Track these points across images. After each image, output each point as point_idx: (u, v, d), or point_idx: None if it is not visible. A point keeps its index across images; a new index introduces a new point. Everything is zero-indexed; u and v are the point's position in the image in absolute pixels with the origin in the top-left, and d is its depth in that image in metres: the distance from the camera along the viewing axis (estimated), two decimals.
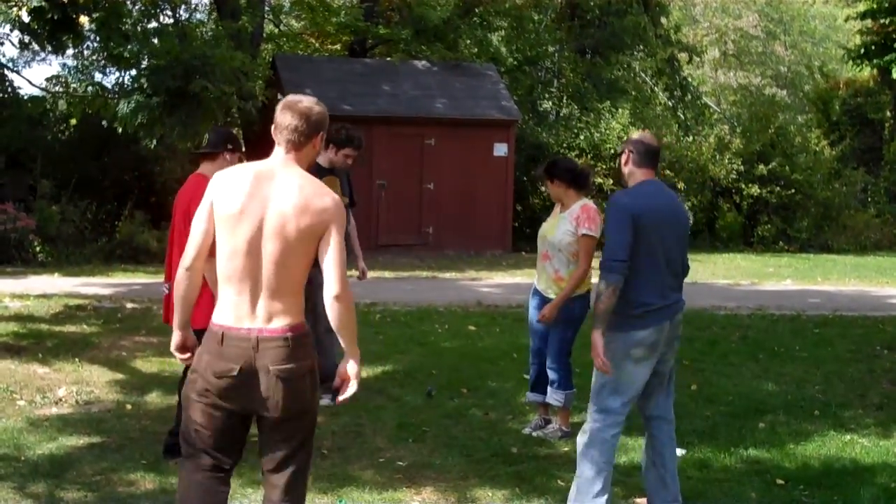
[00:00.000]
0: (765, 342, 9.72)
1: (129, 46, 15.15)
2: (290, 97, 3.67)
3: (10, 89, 18.83)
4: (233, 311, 3.53)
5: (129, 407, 6.72)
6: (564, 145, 19.89)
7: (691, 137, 21.53)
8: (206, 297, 3.97)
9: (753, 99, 29.17)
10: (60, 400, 6.85)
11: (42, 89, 20.85)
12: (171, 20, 18.58)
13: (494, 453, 5.89)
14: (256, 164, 3.65)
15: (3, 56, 20.82)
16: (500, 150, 18.44)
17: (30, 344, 8.63)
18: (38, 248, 15.10)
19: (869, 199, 23.67)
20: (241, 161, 5.61)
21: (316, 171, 4.94)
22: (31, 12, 10.64)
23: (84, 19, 11.47)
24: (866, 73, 18.93)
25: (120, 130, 16.02)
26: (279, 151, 3.64)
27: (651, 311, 4.63)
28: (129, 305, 10.93)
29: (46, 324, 9.71)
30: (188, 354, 3.75)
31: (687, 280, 5.01)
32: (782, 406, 7.23)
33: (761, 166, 20.66)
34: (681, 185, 19.85)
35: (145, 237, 15.81)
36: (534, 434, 6.31)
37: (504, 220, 18.62)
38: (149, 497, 4.98)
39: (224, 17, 18.85)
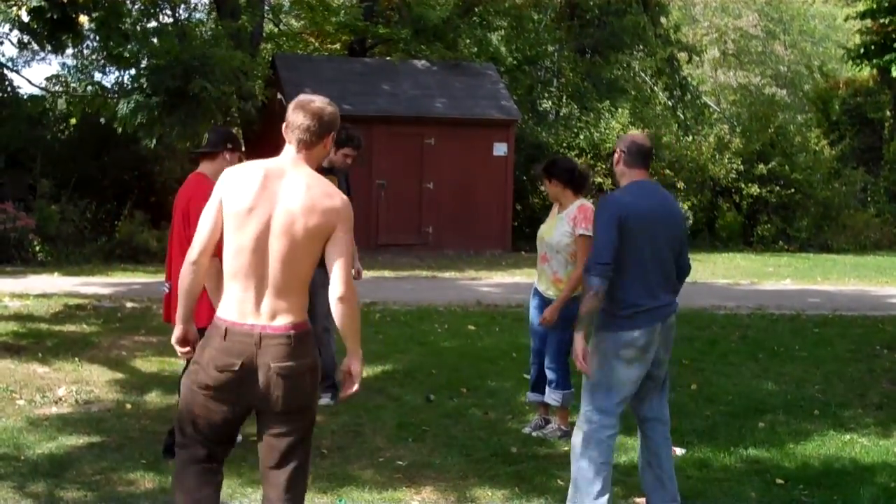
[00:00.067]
0: (764, 342, 9.72)
1: (128, 46, 15.16)
2: (302, 96, 3.69)
3: (9, 89, 18.82)
4: (238, 307, 3.55)
5: (128, 406, 6.72)
6: (564, 145, 19.89)
7: (691, 137, 21.52)
8: (208, 295, 3.99)
9: (753, 98, 29.15)
10: (60, 399, 6.85)
11: (42, 89, 20.85)
12: (171, 20, 18.59)
13: (494, 453, 5.89)
14: (266, 162, 3.66)
15: (3, 55, 20.80)
16: (500, 149, 18.44)
17: (29, 343, 8.63)
18: (37, 248, 15.10)
19: (868, 199, 23.67)
20: (240, 160, 5.61)
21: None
22: (30, 12, 10.65)
23: (83, 19, 11.48)
24: (866, 72, 18.93)
25: (119, 131, 16.04)
26: (290, 150, 3.65)
27: (641, 311, 4.62)
28: (129, 305, 10.93)
29: (46, 323, 9.71)
30: (188, 348, 3.78)
31: (687, 279, 5.01)
32: (782, 406, 7.23)
33: (761, 166, 20.67)
34: (680, 185, 19.85)
35: (145, 237, 15.80)
36: (533, 434, 6.31)
37: (504, 219, 18.62)
38: (148, 496, 4.98)
39: (224, 16, 18.85)
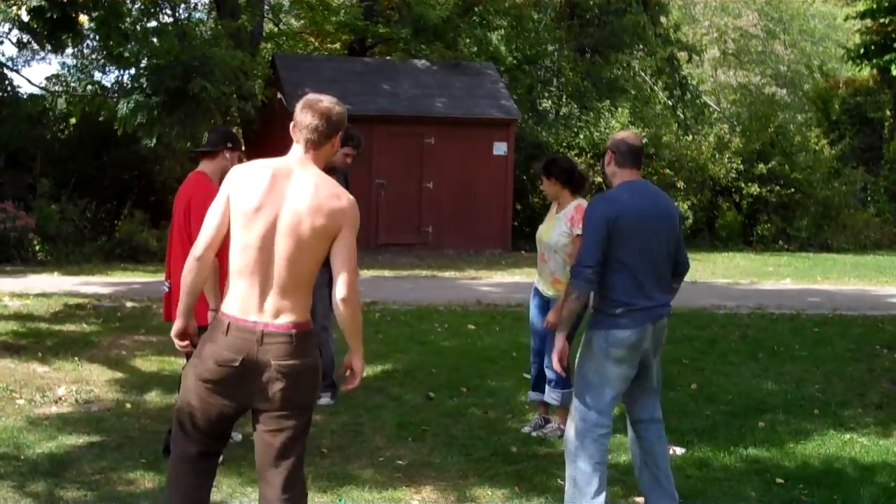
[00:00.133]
0: (764, 341, 9.72)
1: (128, 46, 15.16)
2: (311, 96, 3.70)
3: (9, 88, 18.83)
4: (241, 304, 3.57)
5: (128, 406, 6.72)
6: (564, 144, 19.89)
7: (691, 136, 21.53)
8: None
9: (753, 98, 29.15)
10: (60, 399, 6.85)
11: (42, 88, 20.87)
12: (171, 19, 18.59)
13: (494, 452, 5.89)
14: (274, 162, 3.67)
15: (3, 55, 20.79)
16: (500, 149, 18.44)
17: (29, 343, 8.63)
18: (37, 247, 15.11)
19: (868, 198, 23.68)
20: (240, 159, 5.63)
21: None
22: (30, 11, 10.65)
23: (83, 18, 11.49)
24: (866, 72, 18.93)
25: (120, 132, 16.04)
26: (297, 149, 3.66)
27: (632, 310, 4.62)
28: (129, 304, 10.93)
29: (46, 323, 9.70)
30: (187, 342, 3.80)
31: (687, 279, 5.01)
32: (782, 405, 7.23)
33: (761, 165, 20.67)
34: (680, 185, 19.86)
35: (145, 236, 15.80)
36: (533, 433, 6.31)
37: (503, 219, 18.62)
38: (148, 496, 4.98)
39: (223, 15, 18.85)
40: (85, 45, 17.89)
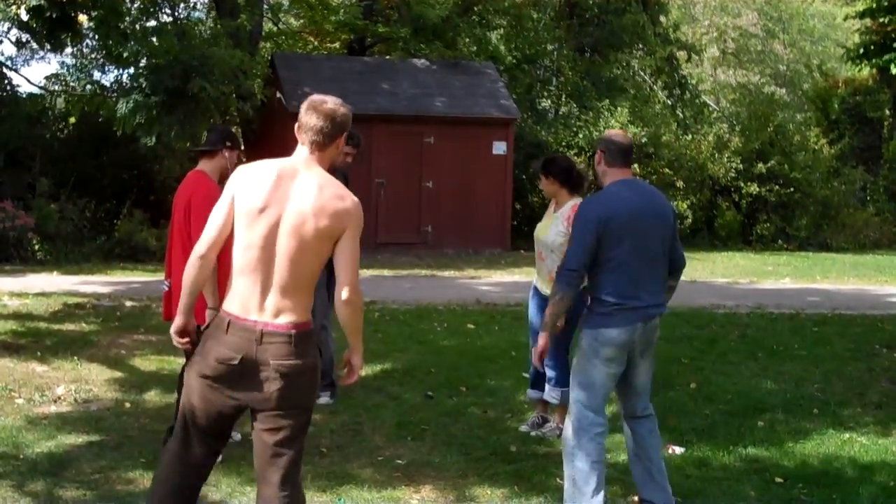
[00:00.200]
0: (764, 341, 9.72)
1: (128, 45, 15.15)
2: (315, 97, 3.71)
3: (8, 87, 18.80)
4: (242, 302, 3.59)
5: (127, 405, 6.72)
6: (563, 144, 19.90)
7: (690, 136, 21.53)
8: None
9: (752, 97, 29.14)
10: (59, 398, 6.84)
11: (41, 87, 20.85)
12: (170, 19, 18.58)
13: (493, 451, 5.89)
14: (279, 162, 3.68)
15: (2, 54, 20.80)
16: (499, 148, 18.43)
17: (28, 342, 8.63)
18: (36, 247, 15.10)
19: (868, 198, 23.68)
20: (239, 158, 5.64)
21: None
22: (29, 10, 10.65)
23: (83, 18, 11.49)
24: (865, 71, 18.95)
25: (119, 132, 16.03)
26: (302, 150, 3.68)
27: (622, 309, 4.63)
28: (128, 304, 10.93)
29: (45, 322, 9.70)
30: (187, 339, 3.80)
31: (686, 278, 5.01)
32: (781, 404, 7.23)
33: (760, 165, 20.67)
34: (680, 184, 19.87)
35: (144, 235, 15.79)
36: (533, 433, 6.31)
37: (503, 218, 18.62)
38: (147, 495, 4.97)
39: (223, 15, 18.84)
40: (84, 44, 17.87)
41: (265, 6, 22.06)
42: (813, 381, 8.03)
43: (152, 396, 6.96)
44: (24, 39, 16.18)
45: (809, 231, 21.07)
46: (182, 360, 5.49)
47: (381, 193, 17.67)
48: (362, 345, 3.80)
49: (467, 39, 22.16)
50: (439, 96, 18.72)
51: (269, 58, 20.15)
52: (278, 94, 17.89)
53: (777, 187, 20.67)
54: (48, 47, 15.05)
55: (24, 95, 19.48)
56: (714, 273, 15.82)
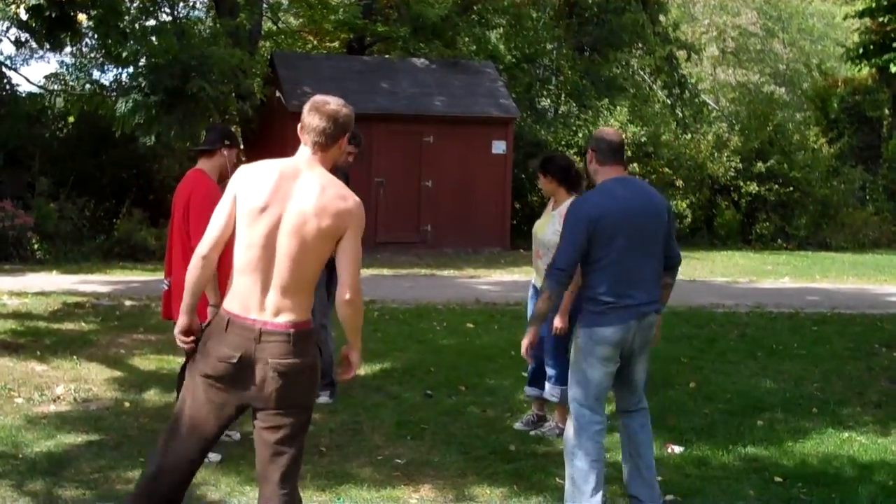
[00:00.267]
0: (763, 340, 9.72)
1: (127, 45, 15.15)
2: (318, 98, 3.72)
3: (7, 87, 18.81)
4: (242, 301, 3.60)
5: (127, 404, 6.72)
6: (563, 143, 19.90)
7: (690, 135, 21.54)
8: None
9: (752, 96, 29.14)
10: (58, 397, 6.84)
11: (40, 87, 20.85)
12: (170, 18, 18.58)
13: (492, 451, 5.90)
14: (282, 162, 3.70)
15: (2, 53, 20.80)
16: (499, 147, 18.43)
17: (28, 341, 8.62)
18: (36, 246, 15.10)
19: (867, 197, 23.69)
20: (238, 157, 5.65)
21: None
22: (29, 10, 10.64)
23: (82, 17, 11.47)
24: (865, 71, 18.94)
25: (118, 132, 16.03)
26: (305, 151, 3.69)
27: (616, 307, 4.63)
28: (128, 303, 10.93)
29: (44, 321, 9.70)
30: (191, 339, 3.80)
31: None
32: (780, 404, 7.23)
33: (759, 164, 20.68)
34: (679, 183, 19.86)
35: (143, 235, 15.79)
36: (531, 432, 6.31)
37: (502, 217, 18.62)
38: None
39: (222, 14, 18.83)
40: (83, 43, 17.88)
41: (264, 5, 22.05)
42: (812, 381, 8.03)
43: (152, 396, 6.96)
44: (23, 39, 16.15)
45: (809, 230, 21.08)
46: (181, 360, 5.49)
47: (380, 193, 17.66)
48: (360, 343, 3.81)
49: (467, 39, 22.16)
50: (439, 95, 18.71)
51: (269, 57, 20.14)
52: (278, 94, 17.89)
53: (776, 186, 20.68)
54: (47, 46, 15.05)
55: (24, 95, 19.49)
56: (713, 272, 15.82)
